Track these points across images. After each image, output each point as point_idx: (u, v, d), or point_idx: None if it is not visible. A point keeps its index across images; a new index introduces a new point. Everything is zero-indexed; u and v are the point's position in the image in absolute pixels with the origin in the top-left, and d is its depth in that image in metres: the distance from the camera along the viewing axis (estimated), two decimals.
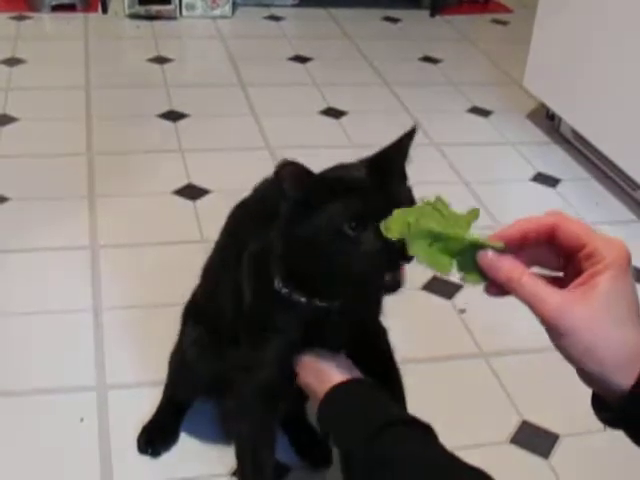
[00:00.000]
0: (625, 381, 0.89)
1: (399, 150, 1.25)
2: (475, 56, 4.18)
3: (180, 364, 1.68)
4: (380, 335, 1.48)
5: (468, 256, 0.97)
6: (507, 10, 4.89)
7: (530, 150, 3.18)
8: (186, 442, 1.76)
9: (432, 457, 1.06)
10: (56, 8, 4.22)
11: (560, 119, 3.24)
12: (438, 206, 1.02)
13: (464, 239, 0.97)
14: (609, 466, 1.77)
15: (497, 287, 0.96)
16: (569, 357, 0.91)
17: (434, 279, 2.31)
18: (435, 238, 0.99)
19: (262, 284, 1.31)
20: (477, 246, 0.96)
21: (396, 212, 1.06)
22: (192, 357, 1.62)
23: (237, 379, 1.42)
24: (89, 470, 1.68)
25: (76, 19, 4.17)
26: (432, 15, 4.68)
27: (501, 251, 0.95)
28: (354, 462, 1.10)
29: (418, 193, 2.73)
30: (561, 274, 0.98)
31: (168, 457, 1.73)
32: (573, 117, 3.09)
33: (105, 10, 4.27)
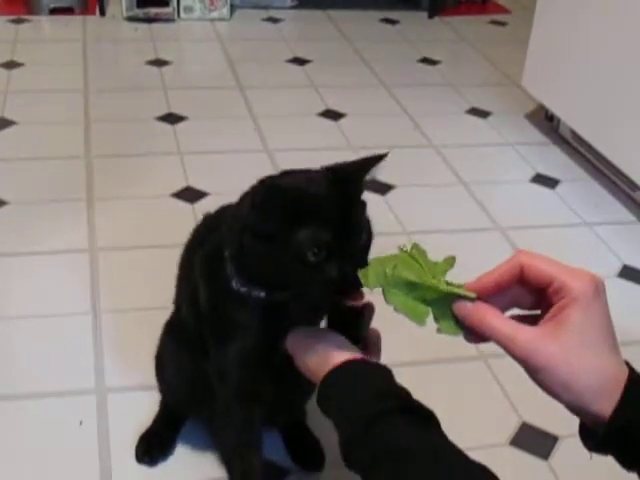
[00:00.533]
0: (605, 409, 0.91)
1: (364, 169, 1.23)
2: (473, 57, 4.18)
3: (162, 380, 1.70)
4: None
5: (444, 305, 1.01)
6: (505, 11, 4.89)
7: (529, 151, 3.18)
8: (184, 447, 1.75)
9: (437, 447, 1.05)
10: (54, 11, 4.23)
11: (559, 120, 3.24)
12: (415, 254, 1.06)
13: (439, 289, 1.01)
14: (608, 467, 1.76)
15: (475, 334, 1.00)
16: (548, 391, 0.93)
17: None
18: (411, 287, 1.03)
19: (217, 284, 1.30)
20: (451, 296, 1.00)
21: (373, 261, 1.09)
22: (171, 373, 1.65)
23: (214, 384, 1.42)
24: (88, 473, 1.68)
25: (74, 22, 4.17)
26: (430, 16, 4.68)
27: (474, 300, 0.99)
28: (355, 447, 1.09)
29: (418, 194, 2.75)
30: (539, 312, 1.00)
31: (166, 462, 1.72)
32: (572, 118, 3.08)
33: (103, 13, 4.28)
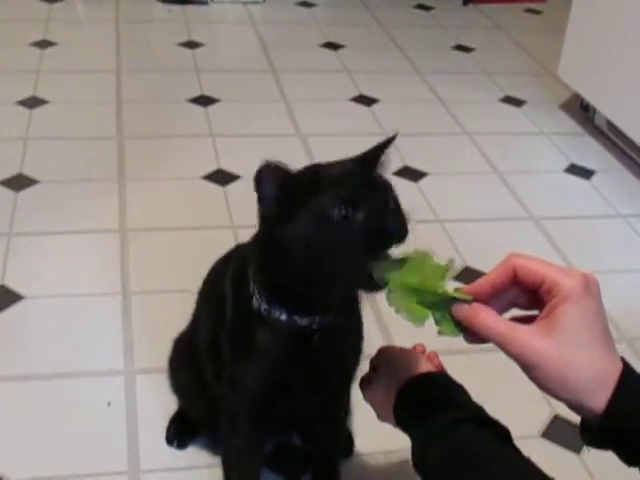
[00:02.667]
0: (600, 403, 0.92)
1: (379, 152, 1.23)
2: (508, 45, 4.15)
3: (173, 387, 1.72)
4: (338, 418, 1.55)
5: (443, 308, 1.05)
6: None
7: (564, 141, 3.14)
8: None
9: (510, 458, 1.07)
10: None
11: (594, 110, 3.20)
12: (417, 258, 1.09)
13: (438, 293, 1.04)
14: None
15: (475, 335, 1.02)
16: (543, 388, 0.95)
17: (466, 269, 2.29)
18: (413, 291, 1.06)
19: (242, 305, 1.29)
20: (450, 300, 1.03)
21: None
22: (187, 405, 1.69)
23: (225, 397, 1.41)
24: (116, 453, 1.68)
25: (107, 2, 4.17)
26: (465, 3, 4.64)
27: (471, 302, 1.02)
28: (430, 449, 1.10)
29: (452, 182, 2.73)
30: (536, 312, 1.01)
31: (195, 444, 1.72)
32: (608, 108, 3.05)
33: None
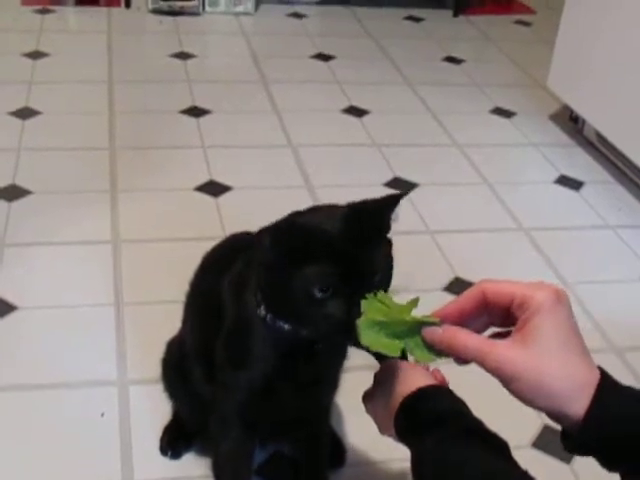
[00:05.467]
0: (578, 410, 0.94)
1: (383, 211, 1.22)
2: (498, 57, 4.17)
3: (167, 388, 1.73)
4: (322, 423, 1.59)
5: (415, 335, 1.06)
6: (530, 11, 4.87)
7: (553, 152, 3.16)
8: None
9: (508, 471, 1.08)
10: (80, 2, 4.24)
11: (584, 121, 3.22)
12: (382, 299, 1.11)
13: (406, 321, 1.06)
14: None
15: (450, 356, 1.04)
16: (522, 399, 0.97)
17: (456, 280, 2.30)
18: (382, 326, 1.08)
19: (243, 310, 1.32)
20: (420, 325, 1.05)
21: None
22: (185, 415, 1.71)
23: (217, 397, 1.43)
24: (110, 463, 1.68)
25: (99, 13, 4.18)
26: (455, 15, 4.67)
27: (440, 325, 1.04)
28: (427, 466, 1.11)
29: (442, 193, 2.74)
30: (512, 328, 1.02)
31: (189, 454, 1.73)
32: (597, 119, 3.07)
33: (128, 5, 4.28)
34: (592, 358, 0.98)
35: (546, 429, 1.85)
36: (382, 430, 1.32)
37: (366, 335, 1.08)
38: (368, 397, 1.35)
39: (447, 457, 1.11)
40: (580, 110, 3.19)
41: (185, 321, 1.61)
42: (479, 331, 1.05)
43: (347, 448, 1.75)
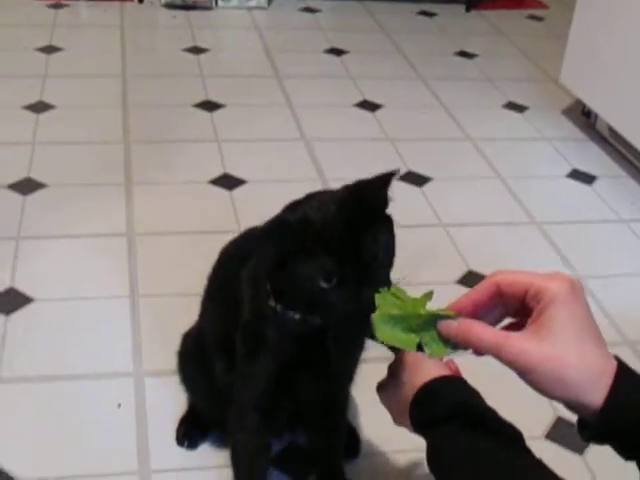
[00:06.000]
0: (596, 400, 0.94)
1: (376, 190, 1.23)
2: (510, 51, 4.17)
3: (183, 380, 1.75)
4: (339, 414, 1.59)
5: (430, 329, 1.06)
6: (543, 6, 4.87)
7: (566, 146, 3.17)
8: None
9: (522, 459, 1.09)
10: None
11: (596, 116, 3.22)
12: (396, 293, 1.11)
13: (421, 315, 1.06)
14: None
15: (466, 349, 1.04)
16: (540, 390, 0.97)
17: (470, 273, 2.31)
18: (396, 320, 1.08)
19: (257, 301, 1.33)
20: (435, 319, 1.05)
21: None
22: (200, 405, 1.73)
23: (235, 387, 1.45)
24: (126, 454, 1.70)
25: (112, 7, 4.19)
26: (468, 10, 4.67)
27: (456, 318, 1.04)
28: (442, 455, 1.13)
29: (455, 187, 2.74)
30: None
31: (205, 444, 1.74)
32: (609, 114, 3.07)
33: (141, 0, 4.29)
34: (607, 348, 0.98)
35: (559, 421, 1.86)
36: (397, 421, 1.33)
37: (381, 330, 1.08)
38: (382, 388, 1.36)
39: (463, 446, 1.13)
40: (592, 104, 3.20)
41: (203, 314, 1.63)
42: (495, 323, 1.05)
43: (362, 439, 1.76)
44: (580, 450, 1.79)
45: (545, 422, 1.86)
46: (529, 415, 1.85)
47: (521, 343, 0.97)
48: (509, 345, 0.97)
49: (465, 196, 2.76)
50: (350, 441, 1.73)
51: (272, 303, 1.29)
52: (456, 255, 2.41)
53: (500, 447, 1.12)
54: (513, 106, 3.49)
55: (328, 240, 1.16)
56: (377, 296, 1.11)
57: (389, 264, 1.22)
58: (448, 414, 1.17)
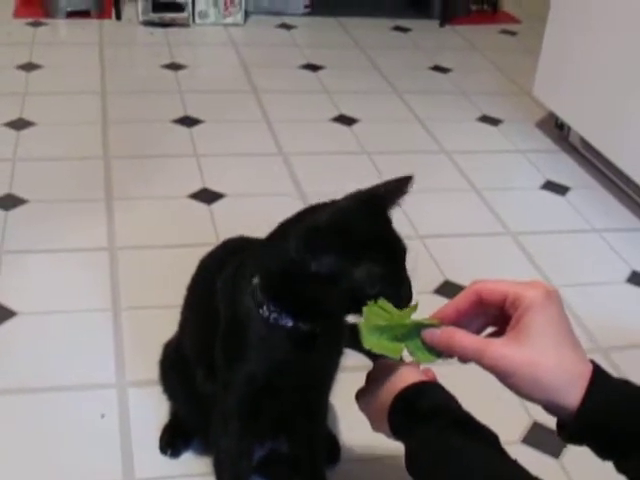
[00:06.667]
0: (573, 401, 0.99)
1: (397, 194, 1.29)
2: (484, 66, 4.22)
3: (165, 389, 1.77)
4: (319, 420, 1.62)
5: (415, 338, 1.11)
6: (515, 21, 4.93)
7: (539, 158, 3.22)
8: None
9: (499, 461, 1.13)
10: (71, 14, 4.27)
11: (569, 128, 3.27)
12: (382, 305, 1.15)
13: (406, 324, 1.11)
14: None
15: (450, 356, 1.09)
16: (520, 393, 1.02)
17: (446, 283, 2.35)
18: (382, 330, 1.12)
19: (240, 307, 1.36)
20: (419, 328, 1.09)
21: None
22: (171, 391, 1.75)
23: (218, 395, 1.47)
24: (110, 463, 1.72)
25: (91, 25, 4.22)
26: (441, 25, 4.72)
27: (439, 326, 1.09)
28: (421, 458, 1.16)
29: (431, 199, 2.78)
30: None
31: (188, 452, 1.76)
32: (582, 126, 3.12)
33: (119, 17, 4.32)
34: (584, 351, 1.02)
35: (536, 425, 1.89)
36: (375, 427, 1.36)
37: (368, 339, 1.12)
38: (361, 395, 1.38)
39: (441, 449, 1.15)
40: (565, 117, 3.25)
41: (184, 324, 1.65)
42: (477, 332, 1.10)
43: (341, 445, 1.79)
44: (556, 454, 1.82)
45: (521, 427, 1.89)
46: (505, 420, 1.88)
47: (501, 349, 1.01)
48: (490, 351, 1.01)
49: (441, 208, 2.80)
50: (330, 447, 1.76)
51: (264, 312, 1.31)
52: (433, 266, 2.44)
53: (477, 449, 1.15)
54: (487, 119, 3.54)
55: (371, 245, 1.19)
56: (364, 308, 1.15)
57: None
58: (425, 419, 1.20)
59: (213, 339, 1.44)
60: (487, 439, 1.17)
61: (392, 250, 1.22)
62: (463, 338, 1.05)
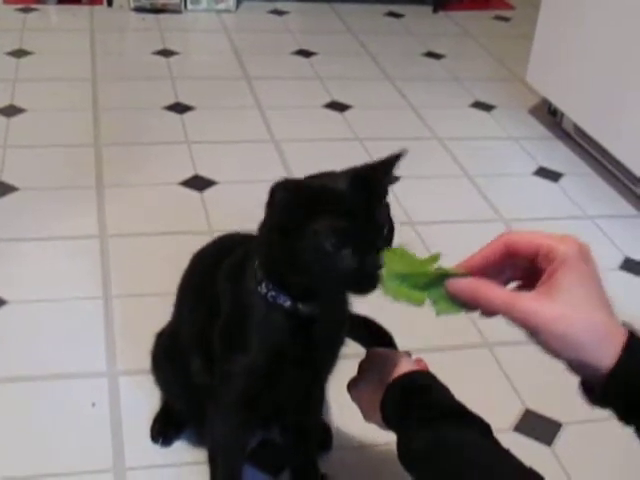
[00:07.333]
0: (604, 361, 0.95)
1: (383, 169, 1.26)
2: (477, 52, 4.21)
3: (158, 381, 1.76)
4: (315, 410, 1.63)
5: (438, 287, 1.04)
6: (509, 7, 4.92)
7: (532, 145, 3.21)
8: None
9: (491, 449, 1.12)
10: (62, 0, 4.25)
11: (562, 114, 3.27)
12: (402, 252, 1.11)
13: (430, 273, 1.05)
14: (611, 453, 1.80)
15: (473, 309, 1.03)
16: (549, 351, 0.97)
17: (439, 269, 2.34)
18: (404, 278, 1.07)
19: (242, 292, 1.34)
20: (443, 277, 1.03)
21: None
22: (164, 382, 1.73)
23: (216, 384, 1.45)
24: (101, 452, 1.72)
25: (82, 11, 4.21)
26: (435, 11, 4.71)
27: (465, 276, 1.02)
28: (413, 447, 1.15)
29: (423, 186, 2.77)
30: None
31: (180, 441, 1.76)
32: (575, 112, 3.11)
33: (110, 3, 4.30)
34: (615, 313, 0.98)
35: (528, 413, 1.89)
36: (367, 417, 1.35)
37: (389, 286, 1.08)
38: (353, 385, 1.38)
39: (434, 439, 1.15)
40: (558, 103, 3.24)
41: (178, 314, 1.64)
42: (503, 285, 1.04)
43: (334, 432, 1.79)
44: (548, 442, 1.82)
45: (513, 414, 1.89)
46: (497, 408, 1.89)
47: (531, 303, 0.96)
48: (520, 305, 0.96)
49: (433, 194, 2.79)
50: (322, 435, 1.76)
51: (263, 289, 1.30)
52: (425, 252, 2.41)
53: (469, 439, 1.15)
54: (480, 105, 3.53)
55: (341, 205, 1.17)
56: (385, 253, 1.11)
57: (390, 239, 1.22)
58: (418, 409, 1.20)
59: (211, 329, 1.42)
60: (480, 429, 1.17)
61: (362, 215, 1.17)
62: (490, 290, 0.99)
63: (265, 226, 1.27)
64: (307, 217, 1.16)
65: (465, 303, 1.03)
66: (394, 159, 1.27)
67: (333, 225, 1.15)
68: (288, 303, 1.29)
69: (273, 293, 1.29)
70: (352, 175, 1.23)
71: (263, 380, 1.38)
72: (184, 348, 1.57)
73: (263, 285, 1.30)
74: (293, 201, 1.17)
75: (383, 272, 1.10)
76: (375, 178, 1.24)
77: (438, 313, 1.05)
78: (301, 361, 1.37)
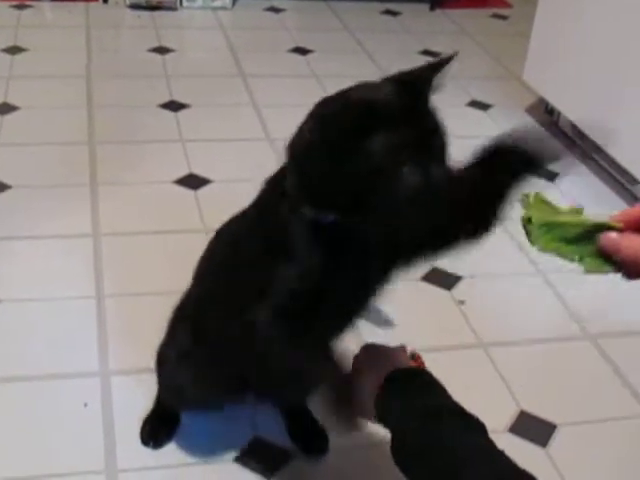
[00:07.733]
0: None
1: (430, 73, 1.20)
2: (475, 50, 4.19)
3: (169, 379, 1.66)
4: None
5: (586, 242, 0.95)
6: (506, 5, 4.90)
7: None
8: (189, 427, 1.77)
9: (485, 448, 1.10)
10: None
11: (559, 113, 3.25)
12: (542, 197, 1.03)
13: (583, 223, 0.95)
14: (606, 455, 1.79)
15: (630, 269, 0.94)
16: None
17: (434, 270, 2.33)
18: (550, 227, 0.98)
19: (278, 216, 1.24)
20: (595, 230, 0.94)
21: None
22: (182, 373, 1.59)
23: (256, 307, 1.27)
24: (93, 453, 1.71)
25: (77, 8, 4.18)
26: (432, 9, 4.69)
27: (621, 231, 0.92)
28: (407, 443, 1.13)
29: None
30: None
31: (172, 443, 1.75)
32: (572, 111, 3.10)
33: (106, 0, 4.28)
34: None
35: (522, 414, 1.88)
36: (361, 413, 1.34)
37: (538, 237, 1.00)
38: (347, 378, 1.36)
39: (427, 435, 1.14)
40: (555, 102, 3.23)
41: (202, 281, 1.52)
42: None
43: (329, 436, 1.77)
44: (543, 443, 1.81)
45: (508, 415, 1.88)
46: (492, 409, 1.88)
47: None
48: None
49: None
50: (317, 437, 1.74)
51: (299, 209, 1.19)
52: None
53: (464, 436, 1.14)
54: (477, 104, 3.51)
55: (393, 118, 1.10)
56: (527, 198, 1.04)
57: (447, 149, 1.14)
58: (412, 407, 1.19)
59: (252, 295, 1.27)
60: (475, 429, 1.16)
61: (421, 126, 1.11)
62: None
63: (303, 146, 1.20)
64: (361, 135, 1.09)
65: (618, 262, 0.93)
66: (441, 64, 1.20)
67: (391, 141, 1.08)
68: (331, 218, 1.17)
69: (313, 211, 1.18)
70: (397, 83, 1.17)
71: (311, 297, 1.22)
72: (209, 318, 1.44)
73: (299, 206, 1.19)
74: (346, 120, 1.10)
75: (529, 219, 0.99)
76: (422, 83, 1.18)
77: (587, 270, 0.97)
78: (351, 279, 1.23)
